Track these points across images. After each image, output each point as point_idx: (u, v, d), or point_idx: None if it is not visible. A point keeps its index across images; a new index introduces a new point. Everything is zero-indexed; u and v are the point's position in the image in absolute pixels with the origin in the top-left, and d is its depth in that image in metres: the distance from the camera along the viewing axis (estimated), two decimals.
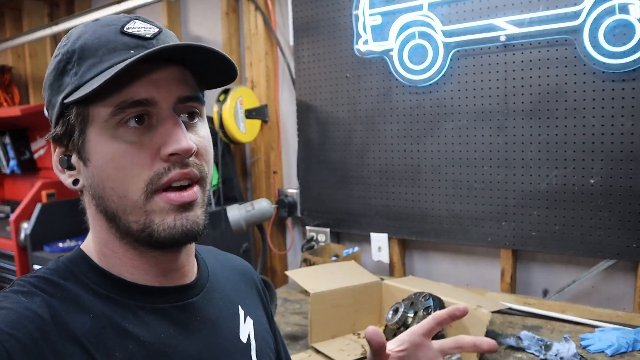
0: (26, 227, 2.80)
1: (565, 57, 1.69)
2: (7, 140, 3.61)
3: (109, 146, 0.60)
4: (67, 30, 2.74)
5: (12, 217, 2.86)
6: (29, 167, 3.68)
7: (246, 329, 0.77)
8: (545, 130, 1.75)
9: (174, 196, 0.61)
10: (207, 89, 0.71)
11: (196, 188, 0.63)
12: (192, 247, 0.73)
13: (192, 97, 0.64)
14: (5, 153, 3.66)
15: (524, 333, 1.46)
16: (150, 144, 0.61)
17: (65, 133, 0.63)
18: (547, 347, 1.41)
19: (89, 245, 0.68)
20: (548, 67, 1.72)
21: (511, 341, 1.46)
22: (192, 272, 0.73)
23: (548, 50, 1.71)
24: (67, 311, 0.59)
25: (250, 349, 0.76)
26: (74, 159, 0.65)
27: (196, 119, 0.66)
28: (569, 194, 1.73)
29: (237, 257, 0.92)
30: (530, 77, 1.76)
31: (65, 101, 0.61)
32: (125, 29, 0.61)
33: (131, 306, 0.64)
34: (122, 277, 0.66)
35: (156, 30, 0.64)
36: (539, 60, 1.73)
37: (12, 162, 3.63)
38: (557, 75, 1.71)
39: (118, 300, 0.64)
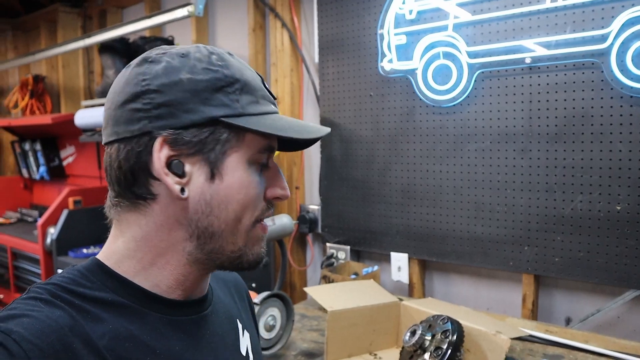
0: (52, 232, 2.87)
1: (592, 81, 1.66)
2: (38, 147, 3.72)
3: (247, 175, 0.67)
4: (98, 43, 2.82)
5: (40, 221, 2.93)
6: (58, 174, 3.77)
7: (244, 342, 0.79)
8: (570, 155, 1.72)
9: (264, 226, 0.70)
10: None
11: None
12: None
13: None
14: (36, 159, 3.77)
15: None
16: (264, 183, 0.70)
17: (199, 142, 0.64)
18: None
19: (107, 254, 0.68)
20: (574, 91, 1.70)
21: None
22: (207, 286, 0.75)
23: (574, 74, 1.69)
24: (87, 321, 0.59)
25: None
26: (189, 167, 0.64)
27: None
28: (594, 220, 1.69)
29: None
30: (556, 100, 1.74)
31: (229, 120, 0.64)
32: (264, 81, 0.71)
33: (149, 317, 0.65)
34: (142, 286, 0.66)
35: None
36: (565, 83, 1.71)
37: (42, 169, 3.73)
38: (583, 99, 1.69)
39: (136, 310, 0.64)
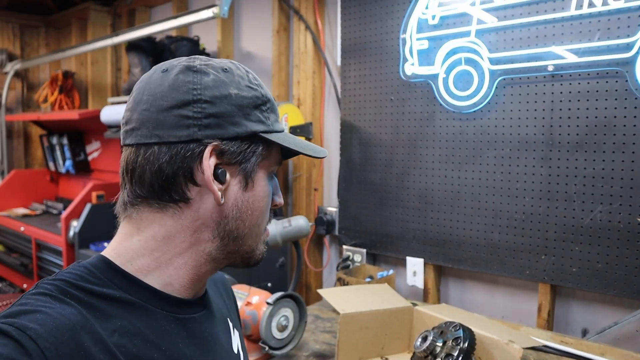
0: (75, 225, 2.92)
1: (615, 90, 1.64)
2: (65, 141, 3.80)
3: (267, 185, 0.74)
4: (126, 41, 2.87)
5: (64, 214, 2.99)
6: (83, 168, 3.85)
7: (235, 340, 0.82)
8: (591, 164, 1.70)
9: (268, 230, 0.78)
10: None
11: None
12: None
13: None
14: (62, 153, 3.85)
15: None
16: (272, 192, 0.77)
17: (240, 153, 0.69)
18: None
19: (117, 252, 0.68)
20: (597, 99, 1.68)
21: None
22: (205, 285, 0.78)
23: (597, 82, 1.67)
24: (96, 318, 0.60)
25: None
26: (228, 176, 0.69)
27: None
28: (614, 231, 1.67)
29: None
30: (578, 108, 1.71)
31: (266, 136, 0.71)
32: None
33: (155, 314, 0.66)
34: (152, 285, 0.67)
35: None
36: (587, 91, 1.69)
37: (68, 162, 3.81)
38: (605, 108, 1.66)
39: (143, 307, 0.65)
